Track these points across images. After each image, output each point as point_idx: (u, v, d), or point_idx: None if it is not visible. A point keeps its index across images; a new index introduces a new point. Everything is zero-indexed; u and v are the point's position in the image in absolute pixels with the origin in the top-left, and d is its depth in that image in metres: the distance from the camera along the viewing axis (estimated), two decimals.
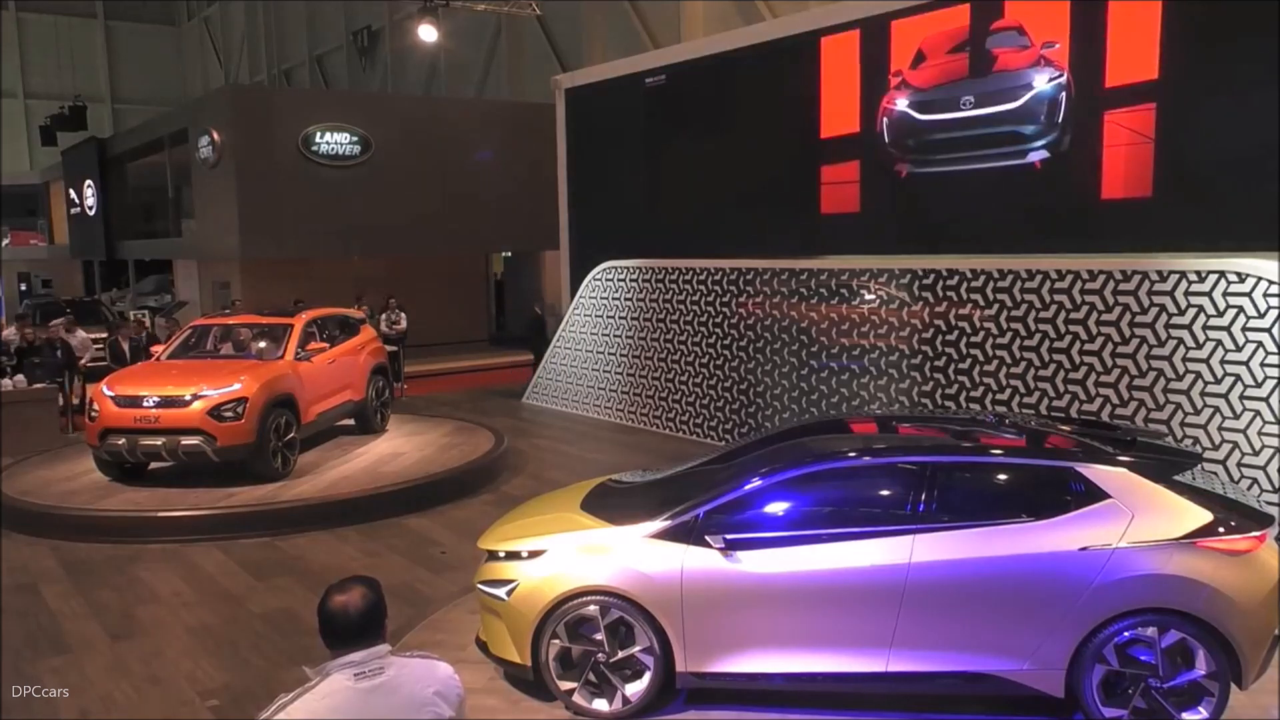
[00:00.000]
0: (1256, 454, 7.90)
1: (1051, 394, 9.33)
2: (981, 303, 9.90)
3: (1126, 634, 4.70)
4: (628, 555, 5.13)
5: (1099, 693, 4.75)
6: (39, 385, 13.51)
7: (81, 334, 15.61)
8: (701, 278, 13.19)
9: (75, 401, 14.03)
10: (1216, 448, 8.10)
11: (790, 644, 5.02)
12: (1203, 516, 4.76)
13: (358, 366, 12.12)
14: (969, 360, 10.05)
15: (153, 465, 10.22)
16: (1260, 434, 7.87)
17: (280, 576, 7.86)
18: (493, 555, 5.59)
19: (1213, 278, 8.16)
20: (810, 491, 5.22)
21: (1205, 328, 8.20)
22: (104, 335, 16.70)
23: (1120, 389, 8.78)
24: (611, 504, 5.70)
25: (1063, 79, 9.53)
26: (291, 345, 10.81)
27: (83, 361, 14.91)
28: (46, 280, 37.13)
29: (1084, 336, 9.05)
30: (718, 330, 12.96)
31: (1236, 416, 8.01)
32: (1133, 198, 9.20)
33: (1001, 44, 10.15)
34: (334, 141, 20.22)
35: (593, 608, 5.13)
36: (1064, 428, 5.86)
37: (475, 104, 26.16)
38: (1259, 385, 7.89)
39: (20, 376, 13.60)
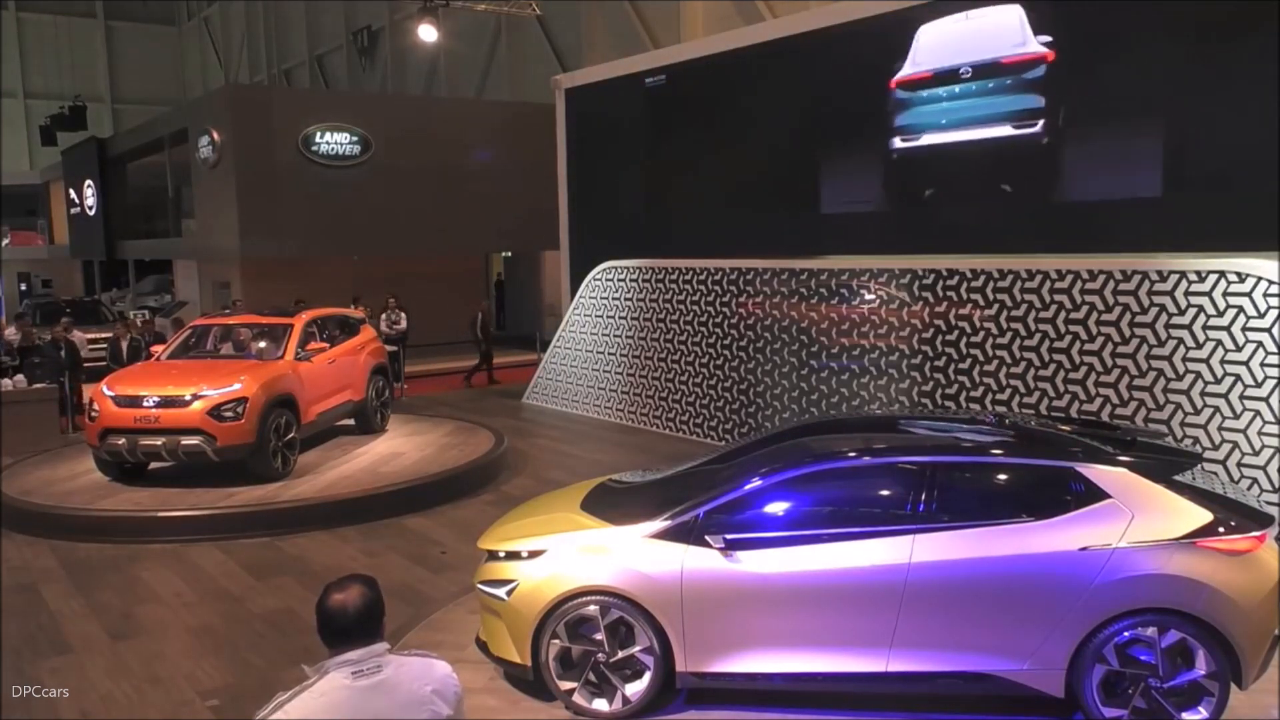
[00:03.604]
0: (1256, 454, 7.89)
1: (1051, 394, 9.33)
2: (981, 303, 9.90)
3: (1126, 634, 4.70)
4: (628, 555, 5.13)
5: (1099, 693, 4.75)
6: (39, 385, 13.51)
7: (78, 334, 15.63)
8: (701, 278, 13.19)
9: (76, 401, 14.03)
10: (1216, 448, 8.10)
11: (790, 644, 5.01)
12: (1203, 516, 4.75)
13: (358, 366, 12.11)
14: (969, 360, 10.04)
15: (153, 465, 10.22)
16: (1260, 434, 7.86)
17: (280, 576, 7.86)
18: (493, 555, 5.59)
19: (1213, 278, 8.16)
20: (810, 491, 5.22)
21: (1205, 328, 8.20)
22: (106, 335, 16.70)
23: (1120, 389, 8.78)
24: (611, 504, 5.70)
25: None
26: (291, 345, 10.80)
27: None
28: (46, 280, 37.15)
29: (1084, 336, 9.05)
30: (718, 330, 12.96)
31: (1236, 416, 8.01)
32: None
33: None
34: (334, 141, 20.23)
35: (593, 608, 5.13)
36: (1064, 428, 5.85)
37: (475, 104, 26.18)
38: (1259, 385, 7.88)
39: (20, 376, 13.61)
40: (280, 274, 20.94)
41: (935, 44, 10.75)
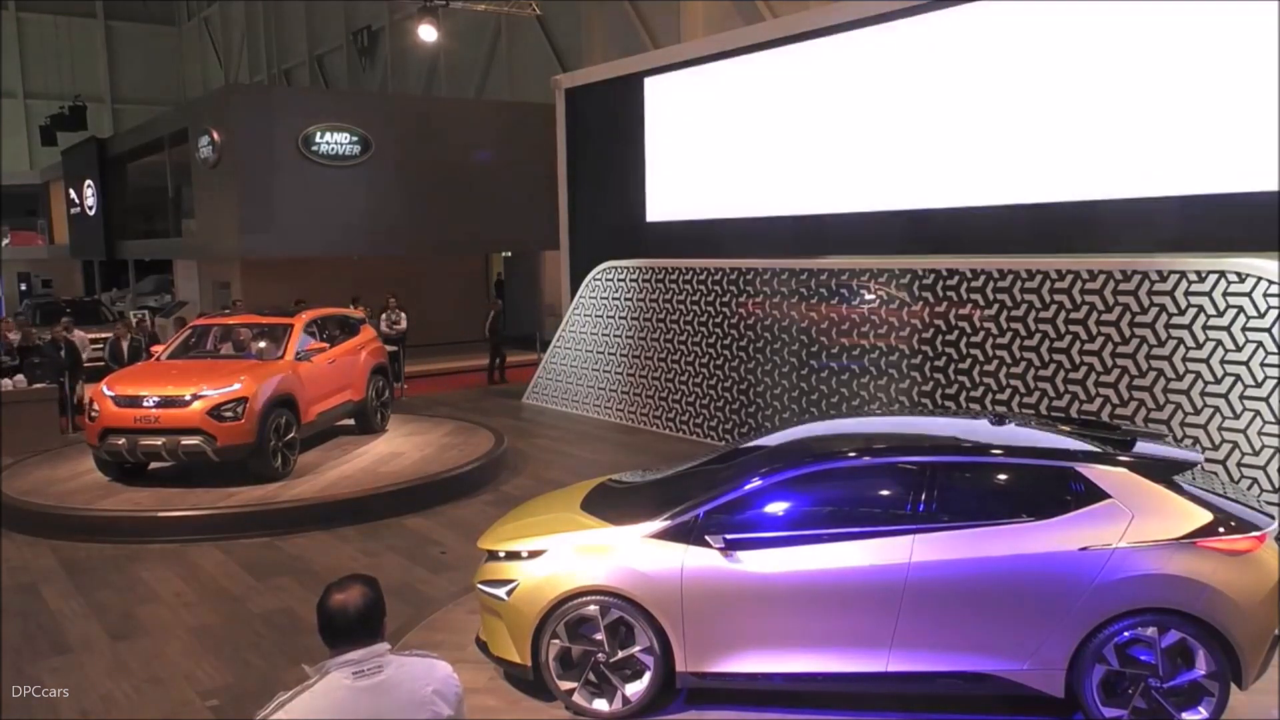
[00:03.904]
0: (1256, 454, 7.89)
1: (1051, 394, 9.33)
2: (981, 303, 9.90)
3: (1126, 634, 4.70)
4: (628, 555, 5.13)
5: (1099, 693, 4.75)
6: (39, 385, 13.50)
7: (79, 334, 15.63)
8: (701, 278, 13.19)
9: (76, 401, 14.02)
10: (1216, 448, 8.10)
11: (790, 644, 5.01)
12: (1203, 516, 4.75)
13: (358, 366, 12.11)
14: (969, 360, 10.04)
15: (153, 465, 10.22)
16: (1260, 434, 7.87)
17: (280, 576, 7.86)
18: (493, 555, 5.59)
19: (1213, 278, 8.16)
20: (810, 491, 5.22)
21: (1205, 328, 8.20)
22: (105, 335, 16.68)
23: (1120, 389, 8.78)
24: (611, 504, 5.70)
25: None
26: (291, 345, 10.80)
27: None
28: (46, 280, 37.16)
29: (1084, 336, 9.05)
30: (718, 330, 12.96)
31: (1236, 416, 8.01)
32: None
33: None
34: (334, 141, 20.22)
35: (593, 608, 5.13)
36: (1064, 428, 5.85)
37: (475, 104, 26.17)
38: (1259, 385, 7.88)
39: (20, 376, 13.59)
40: (280, 274, 20.93)
41: None
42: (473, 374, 19.27)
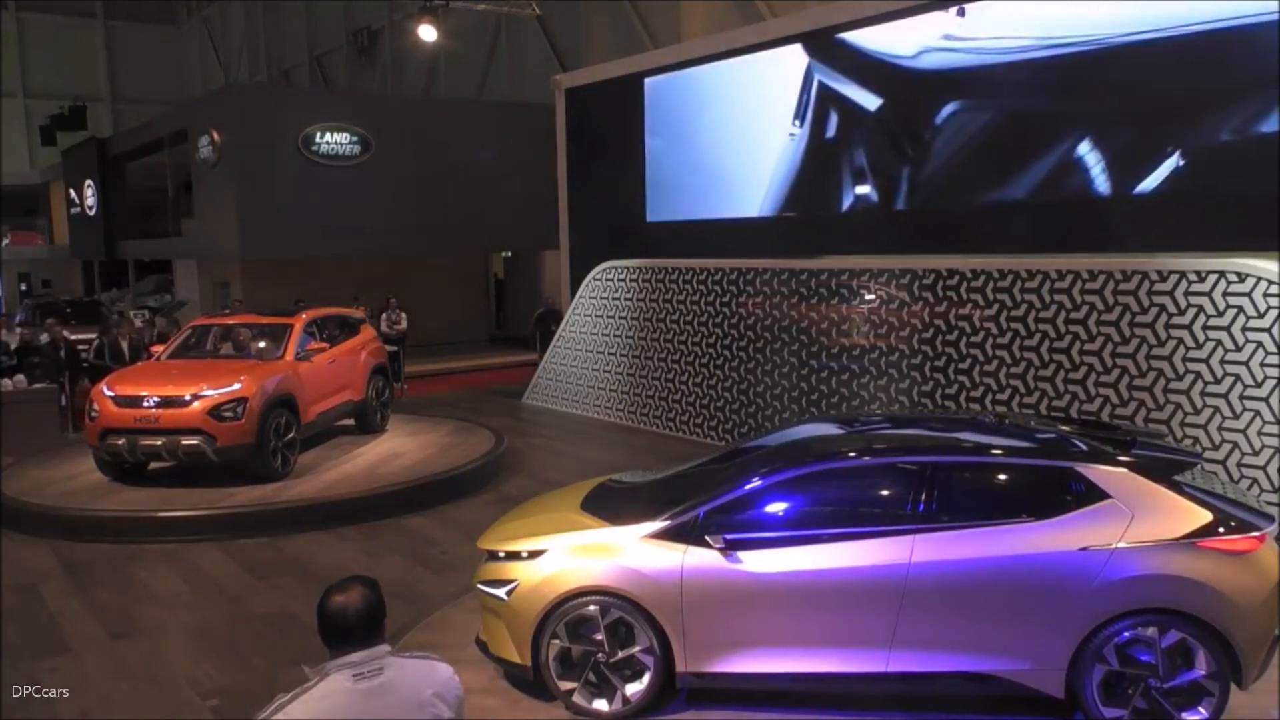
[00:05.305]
0: (1256, 454, 7.89)
1: (1051, 394, 9.32)
2: (981, 303, 9.89)
3: (1126, 634, 4.70)
4: (628, 555, 5.13)
5: (1099, 693, 4.75)
6: (39, 385, 13.50)
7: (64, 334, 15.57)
8: (701, 278, 13.18)
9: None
10: (1216, 448, 8.09)
11: (790, 644, 5.01)
12: (1203, 516, 4.75)
13: (358, 366, 12.10)
14: (969, 360, 10.04)
15: (153, 465, 10.22)
16: (1260, 434, 7.86)
17: (280, 576, 7.86)
18: (493, 555, 5.59)
19: (1213, 278, 8.16)
20: (810, 491, 5.22)
21: (1205, 328, 8.19)
22: (88, 336, 16.59)
23: (1120, 389, 8.78)
24: (611, 504, 5.70)
25: None
26: (291, 345, 10.80)
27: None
28: (46, 280, 37.17)
29: (1084, 336, 9.04)
30: (718, 330, 12.95)
31: (1236, 416, 8.01)
32: None
33: None
34: (334, 141, 20.22)
35: (593, 608, 5.13)
36: (1064, 428, 5.85)
37: (475, 104, 26.16)
38: (1259, 385, 7.88)
39: (20, 376, 13.61)
40: (280, 274, 20.93)
41: None
42: (473, 374, 19.27)
